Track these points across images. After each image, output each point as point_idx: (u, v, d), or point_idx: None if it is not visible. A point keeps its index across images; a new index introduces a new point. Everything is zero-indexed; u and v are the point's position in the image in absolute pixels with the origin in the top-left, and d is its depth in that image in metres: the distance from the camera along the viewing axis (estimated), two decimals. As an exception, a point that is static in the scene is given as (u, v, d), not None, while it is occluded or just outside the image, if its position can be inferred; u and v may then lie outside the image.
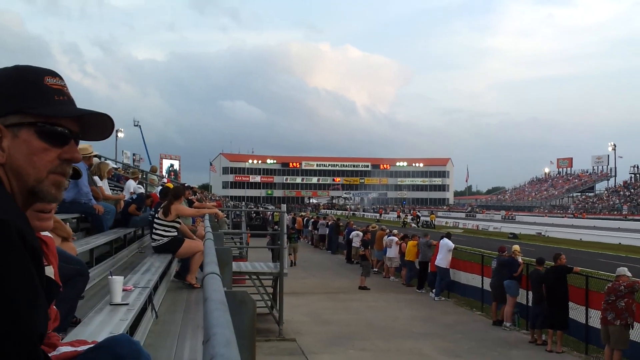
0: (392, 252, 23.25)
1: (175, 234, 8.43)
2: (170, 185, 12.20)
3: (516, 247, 16.17)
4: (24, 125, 1.38)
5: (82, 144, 10.17)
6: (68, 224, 5.79)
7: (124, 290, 4.91)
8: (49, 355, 1.68)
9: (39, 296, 1.22)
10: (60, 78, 1.48)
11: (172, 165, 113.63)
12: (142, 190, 11.69)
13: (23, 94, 1.40)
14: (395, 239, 23.26)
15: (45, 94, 1.43)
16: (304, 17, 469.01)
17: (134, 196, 10.92)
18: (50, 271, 1.66)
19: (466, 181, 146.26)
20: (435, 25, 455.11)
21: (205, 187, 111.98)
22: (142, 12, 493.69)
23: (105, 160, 15.35)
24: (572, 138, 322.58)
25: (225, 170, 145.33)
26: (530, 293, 14.52)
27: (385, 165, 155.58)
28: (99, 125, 1.53)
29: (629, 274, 11.63)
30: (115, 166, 19.35)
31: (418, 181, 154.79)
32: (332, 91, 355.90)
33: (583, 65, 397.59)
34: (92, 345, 1.84)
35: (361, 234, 26.58)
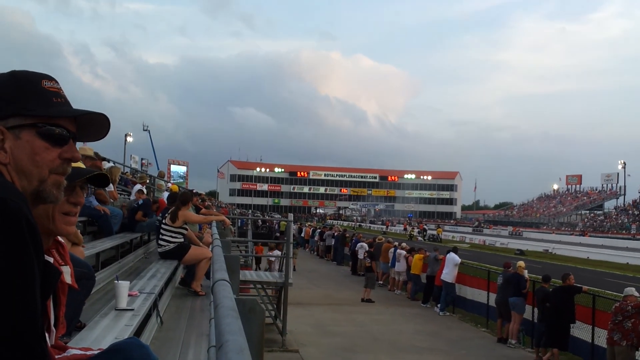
0: (401, 266, 23.15)
1: (182, 240, 8.42)
2: (176, 188, 12.18)
3: (521, 263, 16.06)
4: (25, 126, 1.45)
5: (80, 146, 10.23)
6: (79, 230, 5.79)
7: (129, 295, 4.89)
8: (57, 357, 1.69)
9: (34, 278, 1.26)
10: (56, 82, 1.54)
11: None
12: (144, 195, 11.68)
13: (22, 97, 1.46)
14: (404, 252, 23.17)
15: (43, 96, 1.49)
16: (317, 26, 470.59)
17: (140, 202, 10.91)
18: (67, 271, 1.73)
19: (474, 190, 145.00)
20: (446, 38, 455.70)
21: (212, 194, 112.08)
22: (154, 15, 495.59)
23: (115, 164, 15.41)
24: (582, 154, 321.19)
25: (233, 178, 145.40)
26: (536, 310, 14.43)
27: (393, 177, 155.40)
28: (96, 125, 1.59)
29: (637, 294, 11.53)
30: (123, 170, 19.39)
31: (426, 194, 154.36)
32: (343, 100, 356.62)
33: (595, 81, 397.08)
34: (102, 350, 1.84)
35: (366, 245, 26.48)
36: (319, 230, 43.69)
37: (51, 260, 1.62)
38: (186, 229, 8.57)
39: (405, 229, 76.96)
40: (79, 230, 5.60)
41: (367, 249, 25.04)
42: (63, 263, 1.73)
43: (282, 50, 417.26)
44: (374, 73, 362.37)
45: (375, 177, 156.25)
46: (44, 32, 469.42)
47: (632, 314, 10.97)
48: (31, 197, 1.44)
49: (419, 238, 61.81)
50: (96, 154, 10.27)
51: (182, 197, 8.83)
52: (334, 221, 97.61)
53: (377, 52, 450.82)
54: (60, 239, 1.79)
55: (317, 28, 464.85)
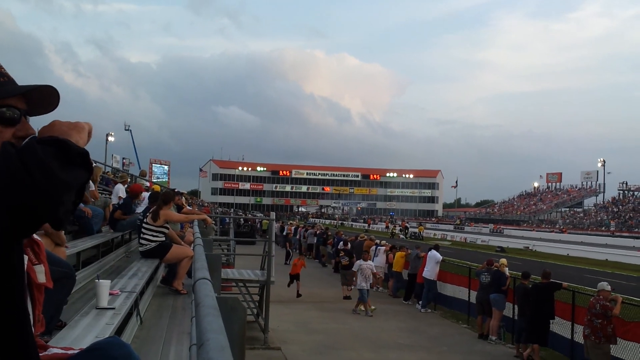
0: (379, 261, 23.24)
1: (163, 239, 8.40)
2: (158, 188, 12.16)
3: (503, 260, 16.20)
4: None
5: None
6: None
7: (110, 294, 4.88)
8: (40, 354, 1.68)
9: None
10: None
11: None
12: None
13: None
14: (383, 248, 23.27)
15: None
16: (303, 24, 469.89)
17: (121, 201, 10.91)
18: (41, 270, 1.72)
19: (454, 187, 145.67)
20: (431, 37, 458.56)
21: (194, 193, 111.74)
22: (137, 13, 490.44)
23: (95, 163, 15.31)
24: (563, 152, 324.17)
25: (215, 177, 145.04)
26: (516, 307, 14.56)
27: (375, 176, 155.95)
28: (45, 97, 1.56)
29: (609, 288, 11.67)
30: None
31: (407, 192, 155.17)
32: (327, 98, 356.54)
33: (576, 79, 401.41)
34: (84, 348, 1.86)
35: (342, 243, 26.52)
36: (300, 228, 43.67)
37: (25, 259, 1.61)
38: (167, 228, 8.56)
39: (387, 227, 77.28)
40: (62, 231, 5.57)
41: (342, 246, 25.10)
42: (37, 262, 1.74)
43: (269, 47, 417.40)
44: (359, 71, 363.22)
45: (357, 176, 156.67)
46: (26, 31, 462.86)
47: (599, 313, 11.11)
48: None
49: (401, 236, 62.08)
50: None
51: (164, 197, 8.82)
52: (316, 219, 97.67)
53: (362, 50, 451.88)
54: (35, 237, 1.79)
55: (305, 25, 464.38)
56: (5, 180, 1.22)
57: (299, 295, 20.17)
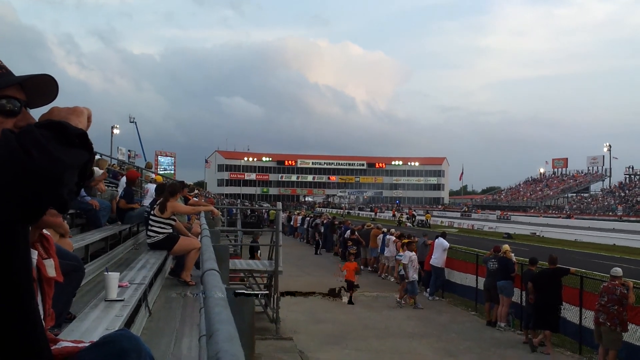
0: (390, 252, 23.23)
1: (171, 231, 8.41)
2: (160, 179, 12.17)
3: (506, 246, 16.10)
4: None
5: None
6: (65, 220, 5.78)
7: (119, 286, 4.90)
8: (51, 348, 1.69)
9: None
10: None
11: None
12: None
13: None
14: (393, 237, 23.25)
15: None
16: (305, 12, 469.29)
17: (122, 192, 10.95)
18: (50, 264, 1.74)
19: (460, 179, 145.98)
20: (434, 24, 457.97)
21: (200, 184, 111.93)
22: (139, 3, 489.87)
23: (101, 156, 15.33)
24: (568, 138, 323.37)
25: (221, 168, 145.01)
26: (524, 293, 14.55)
27: (380, 164, 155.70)
28: (43, 87, 1.56)
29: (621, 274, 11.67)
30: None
31: (413, 180, 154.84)
32: (332, 87, 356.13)
33: (580, 64, 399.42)
34: (94, 341, 1.87)
35: (349, 232, 26.51)
36: (307, 218, 43.68)
37: (35, 253, 1.62)
38: (175, 220, 8.56)
39: (394, 215, 77.24)
40: (65, 221, 5.58)
41: (350, 235, 25.04)
42: (47, 256, 1.76)
43: (272, 37, 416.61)
44: (363, 60, 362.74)
45: (362, 165, 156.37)
46: (27, 23, 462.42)
47: (616, 299, 11.08)
48: None
49: (408, 224, 62.03)
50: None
51: (170, 188, 8.82)
52: (323, 209, 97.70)
53: (365, 38, 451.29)
54: (45, 232, 1.81)
55: (307, 12, 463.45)
56: (5, 164, 1.23)
57: (351, 302, 18.44)
